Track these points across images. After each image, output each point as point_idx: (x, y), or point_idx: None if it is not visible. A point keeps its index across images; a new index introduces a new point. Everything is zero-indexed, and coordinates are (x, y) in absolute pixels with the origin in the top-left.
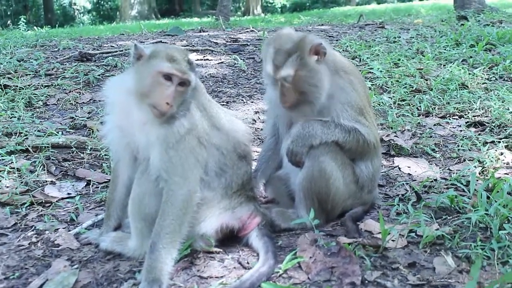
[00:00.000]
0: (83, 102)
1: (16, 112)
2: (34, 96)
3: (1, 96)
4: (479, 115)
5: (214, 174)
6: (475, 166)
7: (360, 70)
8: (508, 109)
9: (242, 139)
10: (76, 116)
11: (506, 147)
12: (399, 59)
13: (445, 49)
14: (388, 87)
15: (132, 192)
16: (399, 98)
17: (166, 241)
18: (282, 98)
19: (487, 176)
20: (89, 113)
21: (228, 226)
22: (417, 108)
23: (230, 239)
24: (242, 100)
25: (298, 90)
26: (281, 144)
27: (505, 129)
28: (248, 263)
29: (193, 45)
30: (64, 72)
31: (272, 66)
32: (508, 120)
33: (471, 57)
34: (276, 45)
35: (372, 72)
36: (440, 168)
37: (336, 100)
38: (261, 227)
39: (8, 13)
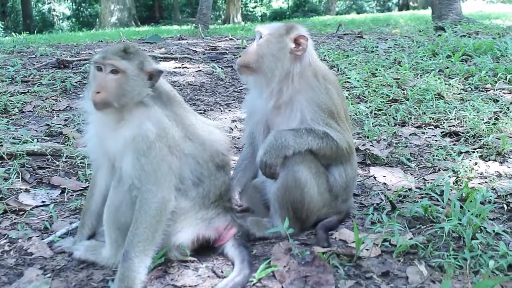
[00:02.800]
0: (60, 110)
1: None
2: (10, 103)
3: None
4: (454, 125)
5: (190, 183)
6: (449, 176)
7: (337, 80)
8: (483, 119)
9: (220, 149)
10: (52, 123)
11: (480, 157)
12: (376, 69)
13: (422, 60)
14: (365, 97)
15: (108, 200)
16: (375, 108)
17: (139, 249)
18: (242, 54)
19: (461, 186)
20: (65, 120)
21: (205, 237)
22: (393, 117)
23: (205, 248)
24: (219, 108)
25: (259, 53)
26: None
27: (480, 139)
28: (222, 272)
29: (172, 53)
30: (41, 79)
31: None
32: (483, 130)
33: (447, 67)
34: None
35: (350, 82)
36: (415, 177)
37: (302, 97)
38: (237, 237)
39: None
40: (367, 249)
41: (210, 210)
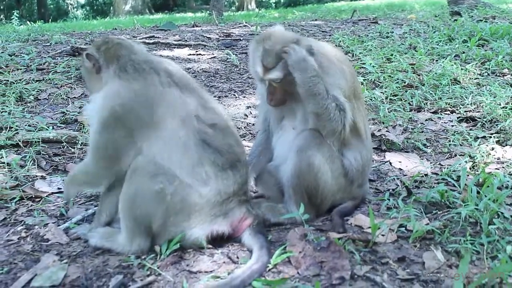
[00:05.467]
0: (75, 97)
1: (7, 106)
2: (25, 91)
3: None
4: (470, 110)
5: (198, 182)
6: (466, 161)
7: (352, 65)
8: (500, 104)
9: (228, 148)
10: (67, 110)
11: (497, 142)
12: (391, 54)
13: (438, 45)
14: (381, 82)
15: (123, 189)
16: (391, 93)
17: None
18: (269, 97)
19: (477, 171)
20: (80, 107)
21: (219, 232)
22: (409, 103)
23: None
24: (234, 95)
25: (286, 90)
26: (272, 139)
27: (496, 124)
28: (237, 258)
29: (186, 40)
30: (55, 66)
31: (261, 67)
32: (500, 115)
33: (463, 52)
34: (266, 45)
35: (365, 67)
36: (431, 163)
37: (325, 82)
38: (254, 226)
39: (1, 7)
40: (383, 235)
41: (224, 206)
